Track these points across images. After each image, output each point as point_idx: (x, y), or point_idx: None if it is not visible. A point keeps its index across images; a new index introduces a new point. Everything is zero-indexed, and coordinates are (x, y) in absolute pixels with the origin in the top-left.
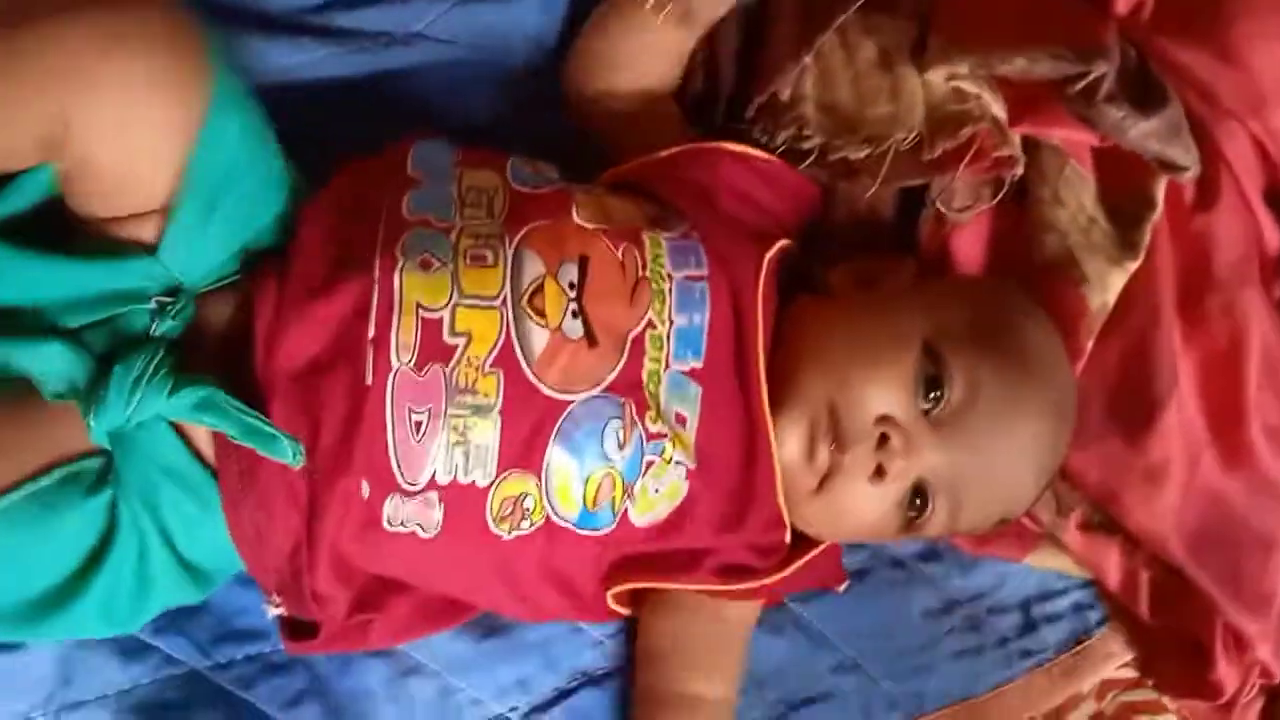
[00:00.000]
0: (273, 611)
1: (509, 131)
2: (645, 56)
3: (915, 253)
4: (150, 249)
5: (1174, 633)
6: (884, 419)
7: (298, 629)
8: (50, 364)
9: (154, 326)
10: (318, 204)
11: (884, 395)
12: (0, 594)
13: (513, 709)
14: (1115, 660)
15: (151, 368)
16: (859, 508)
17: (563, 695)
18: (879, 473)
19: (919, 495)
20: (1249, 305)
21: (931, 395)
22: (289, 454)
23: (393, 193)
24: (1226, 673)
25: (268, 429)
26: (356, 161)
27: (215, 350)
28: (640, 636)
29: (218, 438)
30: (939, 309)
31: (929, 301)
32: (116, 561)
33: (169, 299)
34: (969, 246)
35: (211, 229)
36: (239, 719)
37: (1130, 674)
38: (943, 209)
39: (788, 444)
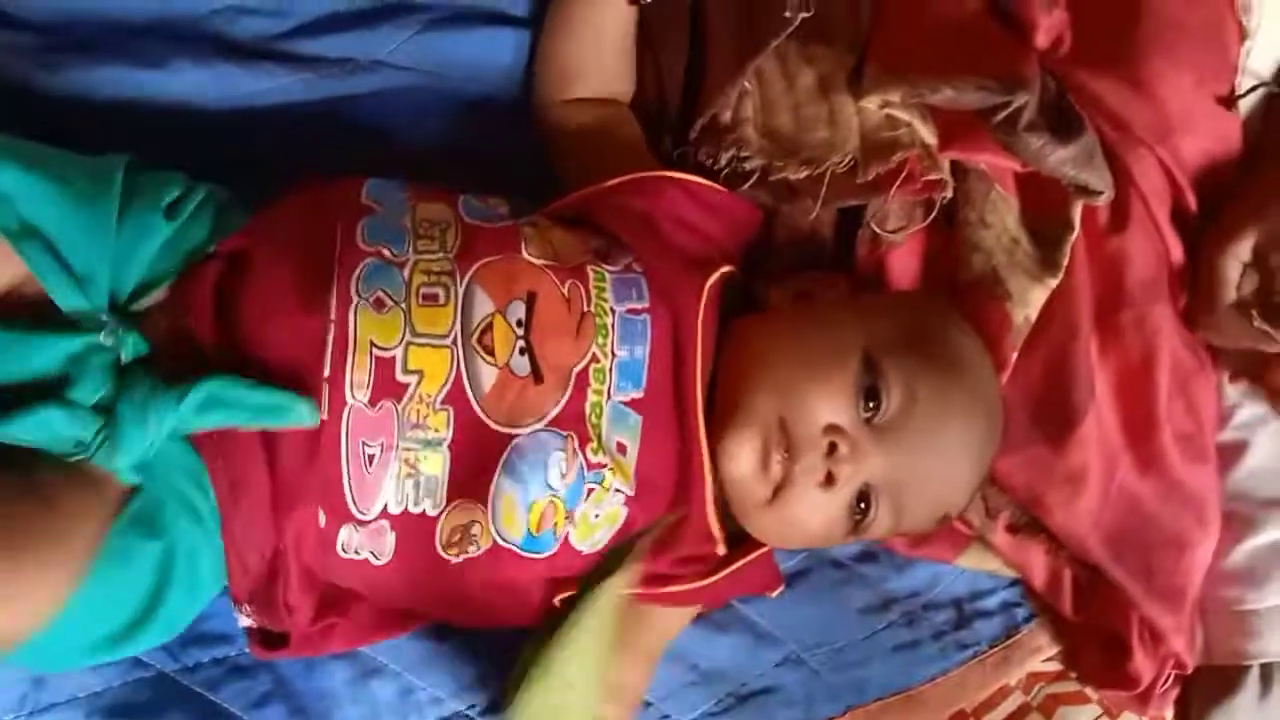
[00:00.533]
0: (243, 621)
1: (467, 157)
2: (601, 43)
3: (853, 271)
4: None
5: (1095, 628)
6: (832, 428)
7: (265, 638)
8: (54, 429)
9: (123, 353)
10: (270, 221)
11: (830, 406)
12: (80, 635)
13: (471, 706)
14: (1042, 654)
15: (149, 388)
16: (810, 514)
17: None
18: (829, 480)
19: (863, 500)
20: (1160, 320)
21: (871, 404)
22: (305, 415)
23: (347, 219)
24: (1143, 664)
25: (279, 397)
26: (311, 183)
27: (178, 356)
28: None
29: (205, 451)
30: (874, 321)
31: (865, 314)
32: (178, 581)
33: (119, 322)
34: (903, 265)
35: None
36: (206, 717)
37: (1055, 667)
38: (877, 230)
39: (741, 460)
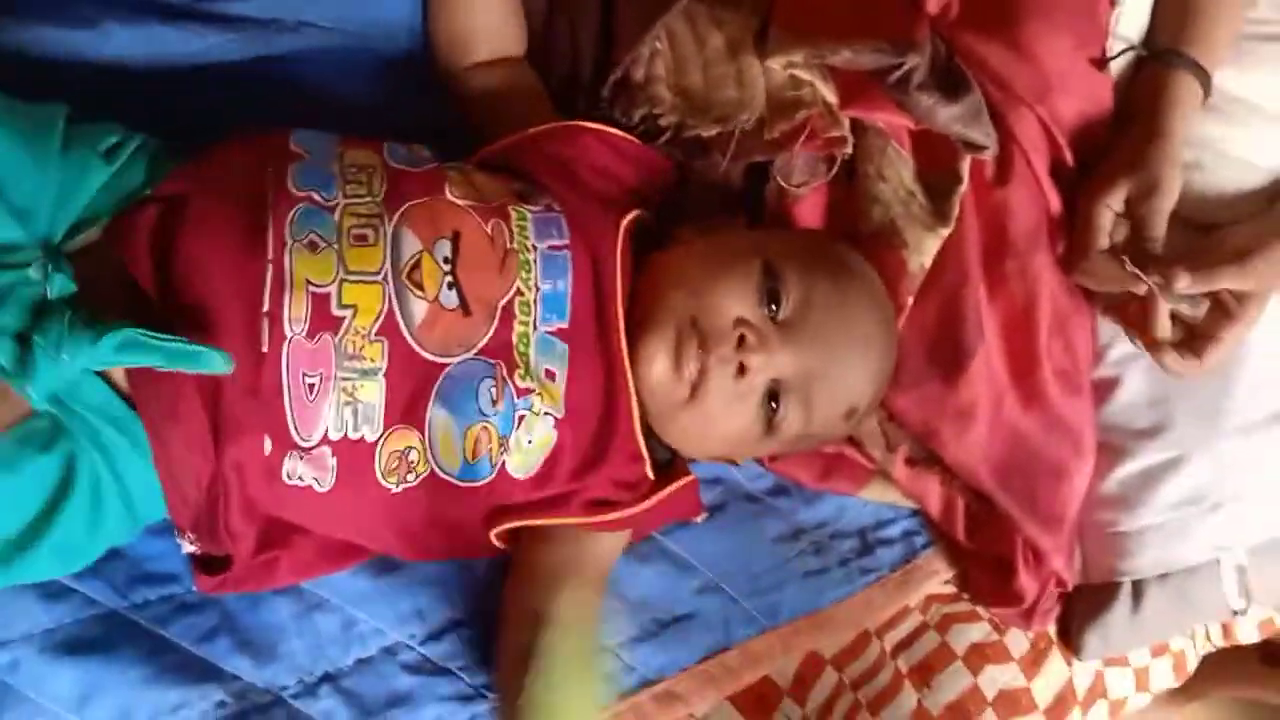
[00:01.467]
0: (186, 548)
1: (390, 114)
2: (483, 8)
3: (762, 221)
4: None
5: (984, 552)
6: (740, 321)
7: (208, 566)
8: None
9: (49, 290)
10: (204, 168)
11: (737, 302)
12: None
13: (411, 636)
14: (938, 578)
15: (67, 326)
16: (726, 411)
17: (456, 624)
18: (741, 370)
19: (773, 398)
20: (1040, 268)
21: (773, 305)
22: (219, 363)
23: (278, 165)
24: (1027, 583)
25: (192, 348)
26: (238, 134)
27: (109, 296)
28: (514, 564)
29: (135, 383)
30: (774, 239)
31: (765, 235)
32: (74, 506)
33: (49, 259)
34: (808, 216)
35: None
36: (158, 652)
37: (950, 589)
38: (783, 184)
39: (656, 362)
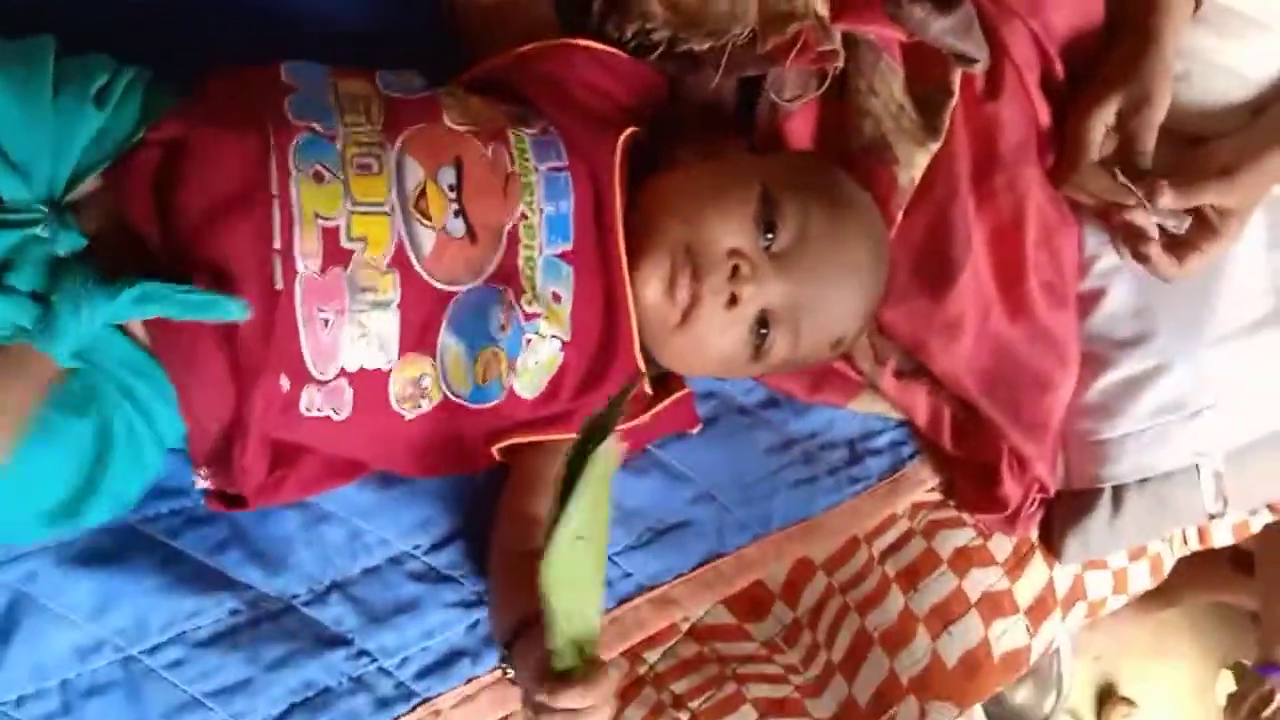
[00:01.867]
0: (200, 484)
1: (377, 40)
2: None
3: (753, 138)
4: None
5: (970, 461)
6: (734, 251)
7: (220, 498)
8: None
9: (59, 247)
10: (198, 107)
11: (732, 232)
12: (21, 509)
13: (416, 546)
14: (925, 486)
15: (82, 284)
16: (715, 337)
17: (459, 533)
18: (733, 300)
19: (763, 325)
20: (1028, 182)
21: (768, 235)
22: (235, 311)
23: (273, 98)
24: (1011, 489)
25: (208, 297)
26: (228, 69)
27: (118, 251)
28: (512, 472)
29: (155, 333)
30: (772, 166)
31: (764, 162)
32: (119, 455)
33: (55, 215)
34: (799, 131)
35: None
36: (171, 563)
37: (937, 497)
38: (775, 98)
39: (650, 285)
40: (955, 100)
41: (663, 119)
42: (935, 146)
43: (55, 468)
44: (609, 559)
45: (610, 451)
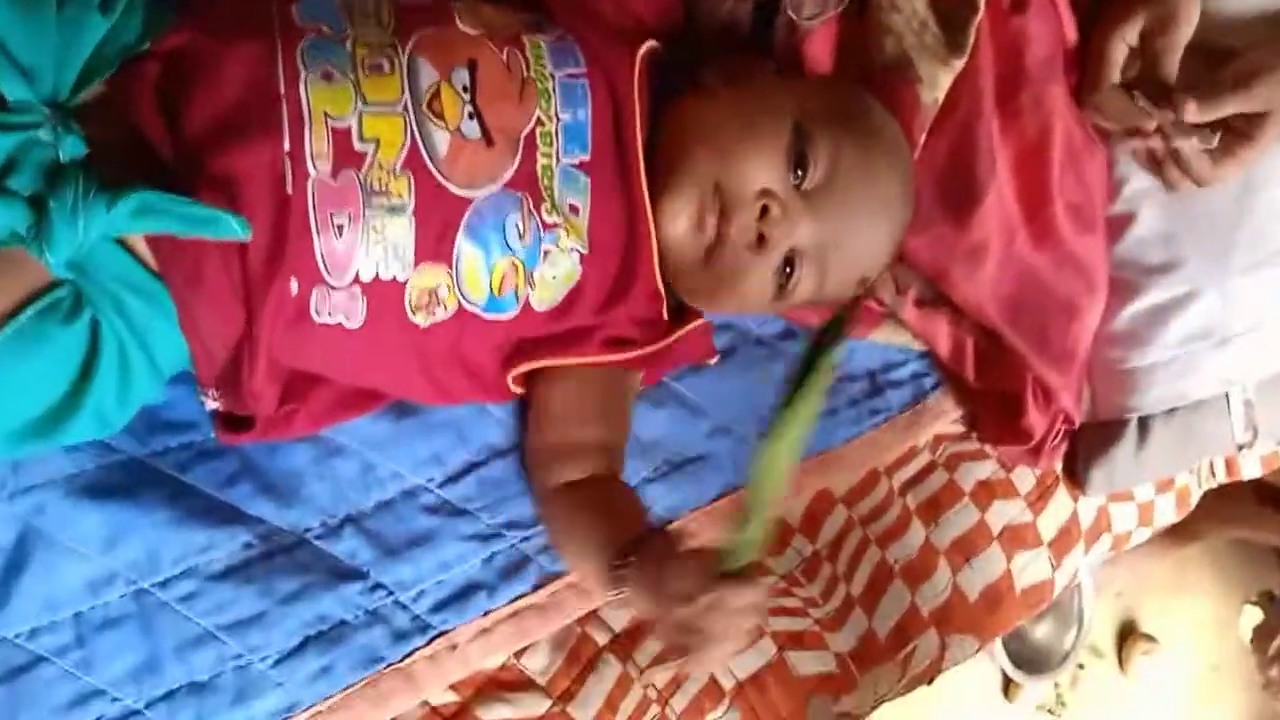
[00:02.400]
0: (209, 405)
1: None
2: None
3: (772, 59)
4: None
5: (993, 391)
6: (765, 192)
7: (230, 422)
8: None
9: (60, 152)
10: (202, 16)
11: (763, 170)
12: (5, 419)
13: (430, 479)
14: (947, 418)
15: (82, 190)
16: (740, 275)
17: (473, 466)
18: (761, 241)
19: (789, 264)
20: (1055, 100)
21: (800, 171)
22: (236, 229)
23: (280, 2)
24: (1035, 419)
25: (209, 212)
26: None
27: (123, 162)
28: (532, 406)
29: (158, 249)
30: (803, 97)
31: (794, 91)
32: (104, 372)
33: (58, 119)
34: (819, 51)
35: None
36: (181, 496)
37: (959, 429)
38: (794, 16)
39: (678, 219)
40: (981, 14)
41: (682, 40)
42: (960, 64)
43: (36, 377)
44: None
45: (832, 361)
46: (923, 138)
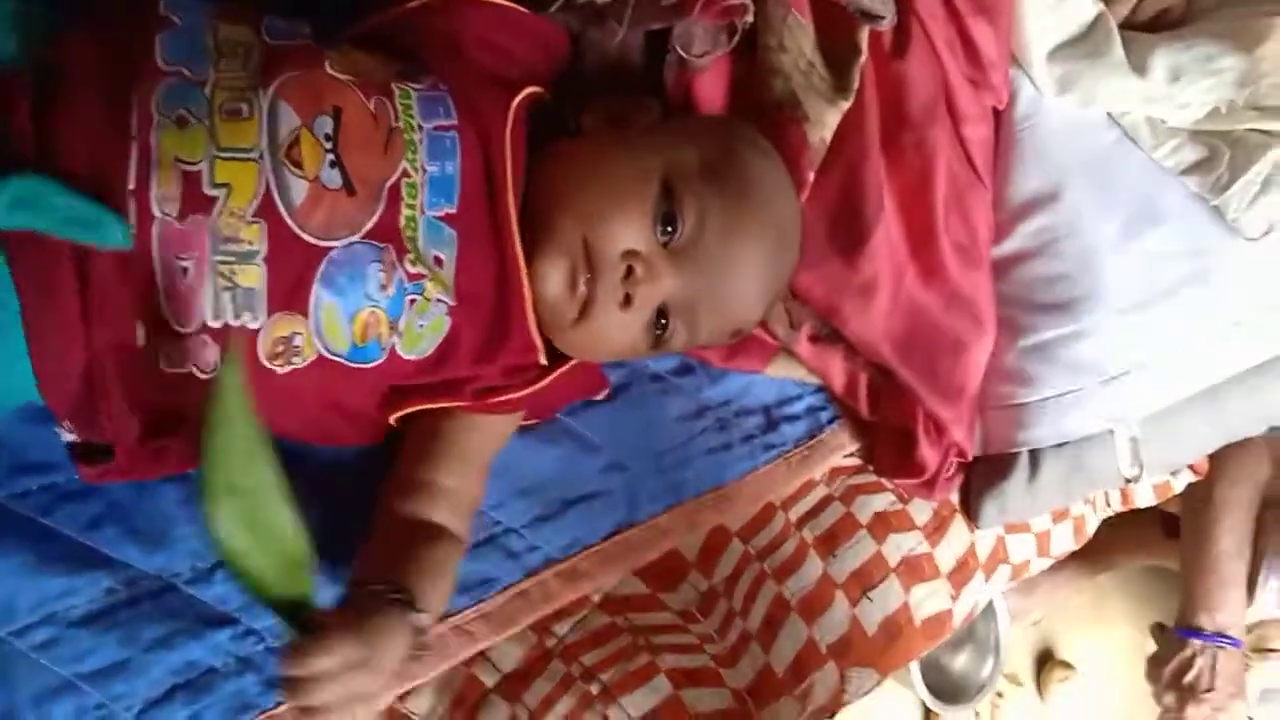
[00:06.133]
0: (65, 437)
1: None
2: None
3: (662, 98)
4: None
5: (887, 425)
6: (629, 253)
7: (89, 455)
8: None
9: None
10: (74, 35)
11: (629, 231)
12: None
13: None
14: (843, 451)
15: None
16: (614, 332)
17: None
18: (627, 301)
19: (662, 317)
20: (936, 141)
21: (668, 229)
22: (119, 235)
23: (144, 33)
24: (928, 453)
25: (95, 211)
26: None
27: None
28: (408, 438)
29: (16, 259)
30: (677, 148)
31: (668, 142)
32: None
33: None
34: (710, 90)
35: None
36: (42, 540)
37: (855, 462)
38: (683, 54)
39: (551, 278)
40: (864, 57)
41: (568, 80)
42: (846, 105)
43: None
44: (516, 530)
45: (236, 403)
46: (811, 175)
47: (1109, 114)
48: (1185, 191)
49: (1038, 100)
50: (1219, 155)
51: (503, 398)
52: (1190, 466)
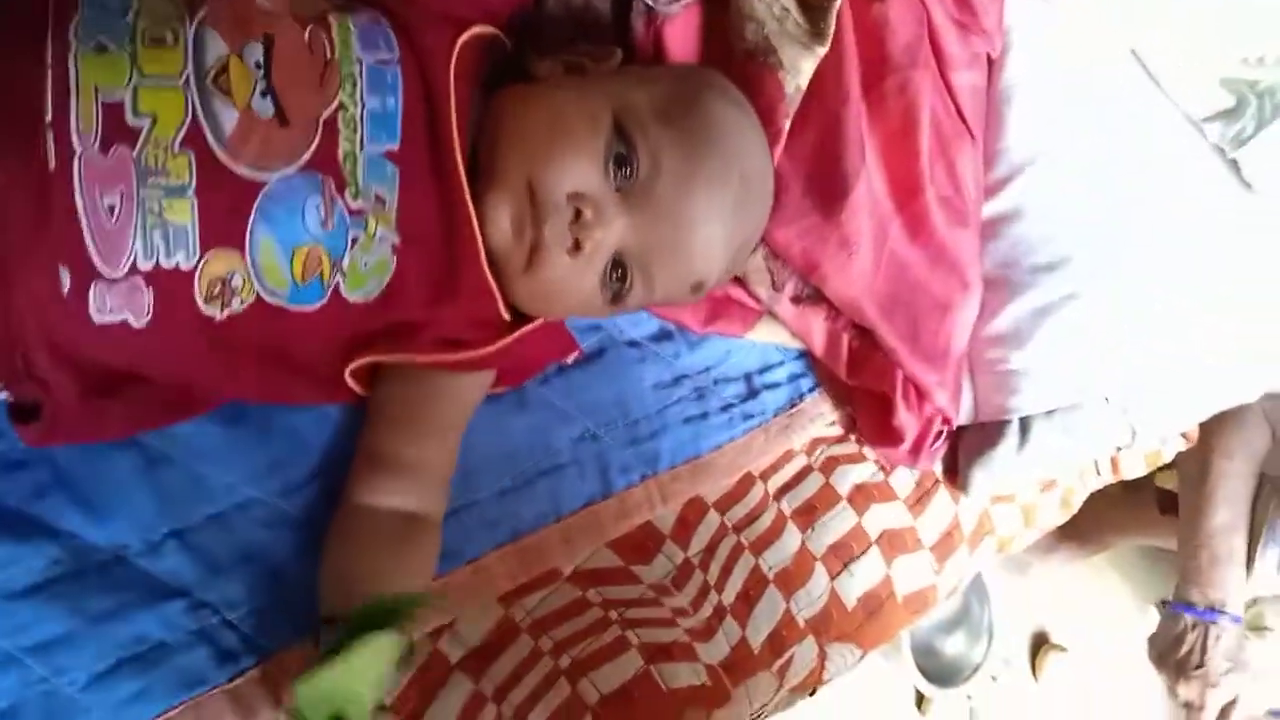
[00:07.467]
0: (0, 395)
1: None
2: None
3: (631, 49)
4: None
5: (867, 391)
6: (576, 195)
7: (25, 415)
8: None
9: None
10: None
11: (576, 172)
12: None
13: (267, 490)
14: (823, 420)
15: None
16: (566, 283)
17: (315, 476)
18: (576, 246)
19: (619, 268)
20: (920, 85)
21: (622, 171)
22: None
23: None
24: (906, 420)
25: None
26: None
27: None
28: (370, 404)
29: None
30: (631, 90)
31: (624, 84)
32: None
33: None
34: (680, 39)
35: None
36: None
37: (836, 432)
38: (651, 3)
39: (498, 224)
40: (840, 1)
41: (531, 30)
42: (822, 51)
43: None
44: (483, 502)
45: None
46: (787, 125)
47: (1132, 51)
48: (1198, 150)
49: (1039, 53)
50: (1245, 105)
51: (466, 354)
52: (1181, 434)
